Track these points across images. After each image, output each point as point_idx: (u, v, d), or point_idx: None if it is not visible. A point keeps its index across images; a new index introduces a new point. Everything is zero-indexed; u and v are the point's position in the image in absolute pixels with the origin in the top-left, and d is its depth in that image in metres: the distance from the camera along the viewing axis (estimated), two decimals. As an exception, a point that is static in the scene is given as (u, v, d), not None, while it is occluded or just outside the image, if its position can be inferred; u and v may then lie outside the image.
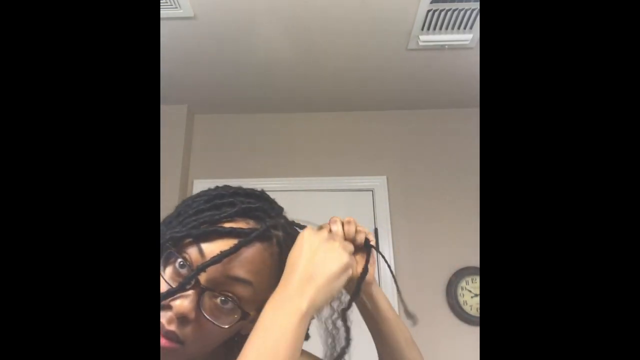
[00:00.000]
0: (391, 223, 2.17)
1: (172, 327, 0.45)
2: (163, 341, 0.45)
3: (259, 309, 0.49)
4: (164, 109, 2.25)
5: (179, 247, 0.48)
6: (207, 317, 0.46)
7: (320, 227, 0.58)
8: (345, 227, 0.58)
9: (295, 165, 2.30)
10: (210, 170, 2.30)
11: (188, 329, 0.46)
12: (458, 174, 2.26)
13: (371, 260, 0.60)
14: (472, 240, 2.10)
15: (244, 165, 2.31)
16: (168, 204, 2.11)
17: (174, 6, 1.63)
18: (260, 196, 0.56)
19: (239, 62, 1.98)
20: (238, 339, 0.57)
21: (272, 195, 0.60)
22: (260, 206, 0.53)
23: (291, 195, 2.12)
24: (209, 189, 0.55)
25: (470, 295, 2.03)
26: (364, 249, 0.60)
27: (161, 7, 1.61)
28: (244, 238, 0.48)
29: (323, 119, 2.40)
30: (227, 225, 0.49)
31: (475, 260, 2.07)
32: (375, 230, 2.16)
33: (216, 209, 0.51)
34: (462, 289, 2.04)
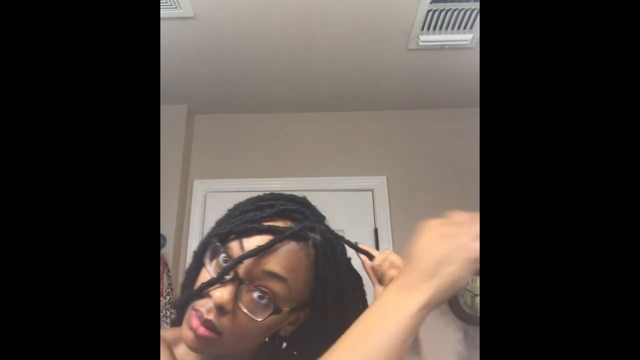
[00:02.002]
0: (391, 223, 2.17)
1: (211, 317, 0.48)
2: (202, 329, 0.48)
3: (294, 308, 0.53)
4: (164, 109, 2.25)
5: (224, 243, 0.52)
6: (243, 309, 0.49)
7: (369, 256, 0.59)
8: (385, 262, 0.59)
9: (295, 165, 2.30)
10: (210, 170, 2.30)
11: (225, 320, 0.49)
12: (458, 174, 2.26)
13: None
14: (472, 240, 2.09)
15: (244, 165, 2.31)
16: (168, 204, 2.10)
17: (174, 6, 1.63)
18: (301, 201, 0.59)
19: (239, 62, 1.98)
20: (278, 340, 0.60)
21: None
22: (298, 209, 0.56)
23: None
24: (257, 195, 0.60)
25: (470, 295, 2.03)
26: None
27: (161, 7, 1.61)
28: (279, 235, 0.51)
29: (323, 119, 2.40)
30: (266, 224, 0.52)
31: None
32: (375, 230, 2.16)
33: (259, 210, 0.55)
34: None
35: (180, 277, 2.10)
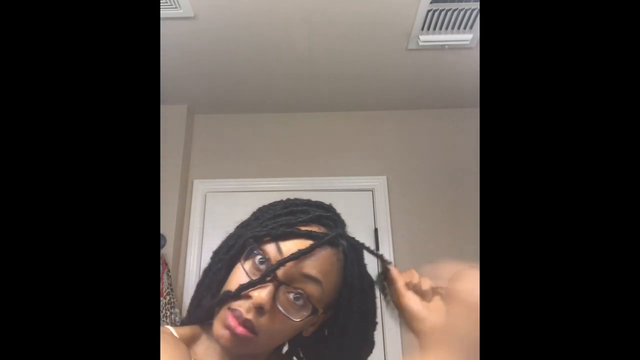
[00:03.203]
0: (391, 223, 2.17)
1: (250, 316, 0.50)
2: (240, 329, 0.49)
3: (325, 308, 0.55)
4: (164, 109, 2.25)
5: (259, 245, 0.54)
6: (281, 309, 0.51)
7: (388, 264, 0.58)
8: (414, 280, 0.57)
9: (295, 165, 2.31)
10: (210, 170, 2.30)
11: (263, 320, 0.50)
12: (458, 174, 2.26)
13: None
14: (472, 240, 2.10)
15: (244, 165, 2.31)
16: (168, 204, 2.11)
17: (174, 6, 1.63)
18: (329, 208, 0.61)
19: (239, 62, 1.98)
20: (295, 342, 0.61)
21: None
22: (330, 215, 0.59)
23: (291, 195, 2.11)
24: (283, 200, 0.61)
25: (470, 295, 2.03)
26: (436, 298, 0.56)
27: (161, 7, 1.61)
28: (318, 240, 0.53)
29: (323, 119, 2.40)
30: (303, 228, 0.54)
31: (475, 260, 2.07)
32: (375, 230, 2.16)
33: (292, 215, 0.57)
34: (462, 289, 2.04)
35: (180, 277, 2.10)
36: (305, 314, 0.52)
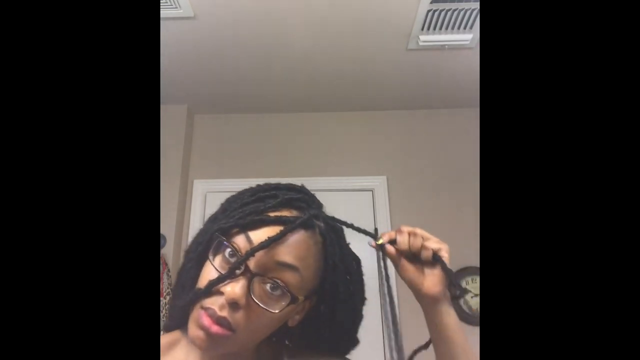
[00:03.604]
0: (391, 223, 2.17)
1: (224, 313, 0.47)
2: (215, 328, 0.46)
3: (306, 295, 0.52)
4: (164, 109, 2.25)
5: (228, 237, 0.51)
6: (258, 302, 0.48)
7: (380, 235, 0.58)
8: (411, 240, 0.59)
9: (295, 165, 2.31)
10: (210, 170, 2.30)
11: (239, 315, 0.47)
12: (458, 174, 2.26)
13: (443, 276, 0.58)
14: (472, 240, 2.10)
15: (244, 165, 2.31)
16: (168, 204, 2.10)
17: (174, 6, 1.63)
18: (301, 190, 0.58)
19: (239, 62, 1.98)
20: (283, 332, 0.58)
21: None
22: (302, 197, 0.55)
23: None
24: (252, 187, 0.58)
25: (470, 295, 2.03)
26: (434, 264, 0.58)
27: (161, 7, 1.61)
28: (289, 225, 0.50)
29: (323, 119, 2.40)
30: (272, 214, 0.51)
31: (475, 260, 2.07)
32: (375, 230, 2.14)
33: (260, 201, 0.54)
34: (462, 289, 2.04)
35: (180, 277, 2.09)
36: (284, 303, 0.49)
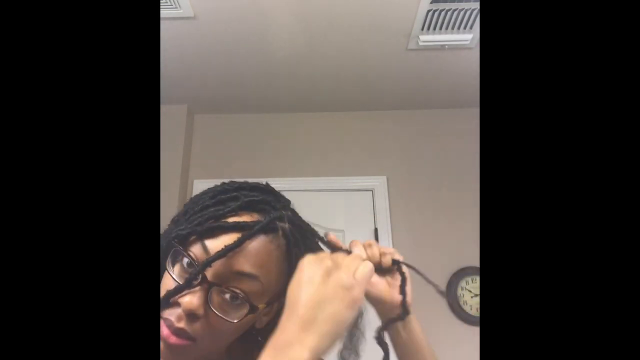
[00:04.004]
0: (391, 223, 2.17)
1: (182, 324, 0.46)
2: (173, 339, 0.45)
3: (268, 302, 0.50)
4: (164, 109, 2.25)
5: (186, 245, 0.49)
6: (216, 312, 0.46)
7: (334, 249, 0.55)
8: (368, 251, 0.56)
9: (295, 165, 2.31)
10: (210, 170, 2.30)
11: (197, 325, 0.46)
12: (458, 174, 2.26)
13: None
14: (472, 240, 2.10)
15: (244, 165, 2.31)
16: (168, 204, 2.10)
17: (174, 6, 1.63)
18: (265, 189, 0.56)
19: (239, 62, 1.98)
20: (255, 332, 0.56)
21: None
22: (264, 198, 0.53)
23: (291, 195, 2.10)
24: (216, 186, 0.55)
25: (470, 295, 2.03)
26: (394, 269, 0.58)
27: (161, 7, 1.61)
28: (247, 231, 0.47)
29: (323, 119, 2.40)
30: (232, 219, 0.49)
31: (475, 260, 2.07)
32: (375, 230, 2.16)
33: (221, 204, 0.51)
34: (462, 289, 2.04)
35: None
36: (244, 312, 0.47)
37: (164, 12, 1.65)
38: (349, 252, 0.54)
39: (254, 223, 0.49)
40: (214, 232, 0.48)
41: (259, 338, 0.58)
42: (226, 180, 0.56)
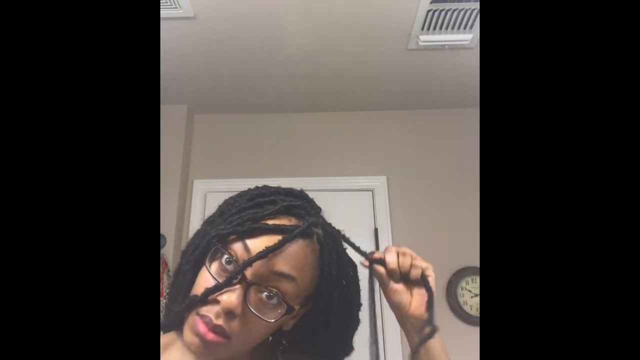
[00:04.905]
0: (391, 223, 2.17)
1: (220, 322, 0.47)
2: (211, 335, 0.47)
3: (302, 303, 0.52)
4: (164, 109, 2.25)
5: (225, 244, 0.50)
6: (254, 311, 0.48)
7: (371, 256, 0.58)
8: (400, 259, 0.58)
9: (295, 165, 2.30)
10: (210, 170, 2.30)
11: (235, 324, 0.47)
12: (458, 174, 2.26)
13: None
14: (472, 240, 2.10)
15: (244, 165, 2.31)
16: (168, 204, 2.10)
17: (174, 6, 1.63)
18: (300, 195, 0.57)
19: (239, 62, 1.98)
20: (281, 335, 0.58)
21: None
22: (301, 204, 0.54)
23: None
24: (250, 189, 0.57)
25: (470, 295, 2.03)
26: (421, 284, 0.58)
27: (161, 7, 1.61)
28: (288, 234, 0.49)
29: (323, 119, 2.40)
30: (270, 222, 0.51)
31: (475, 260, 2.07)
32: (375, 230, 2.16)
33: (259, 207, 0.53)
34: (462, 289, 2.04)
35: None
36: (280, 312, 0.49)
37: (164, 12, 1.65)
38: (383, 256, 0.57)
39: (293, 227, 0.50)
40: (254, 233, 0.49)
41: (283, 341, 0.60)
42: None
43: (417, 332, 0.58)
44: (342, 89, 2.20)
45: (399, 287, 0.58)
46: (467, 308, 2.01)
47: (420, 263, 0.58)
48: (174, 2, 1.60)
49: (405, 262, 0.58)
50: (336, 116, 2.40)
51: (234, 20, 1.72)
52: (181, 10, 1.65)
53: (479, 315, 2.00)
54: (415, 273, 0.57)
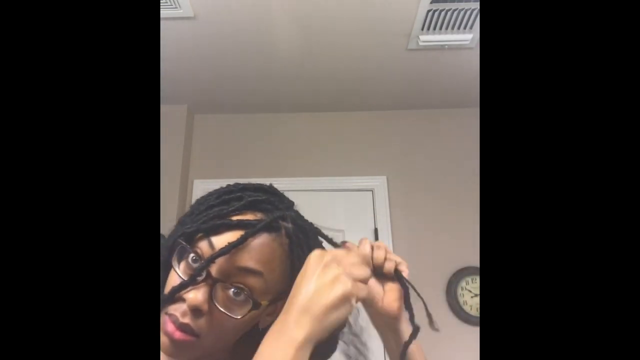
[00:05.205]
0: (391, 223, 2.17)
1: (186, 320, 0.47)
2: (178, 334, 0.47)
3: (272, 299, 0.51)
4: (164, 109, 2.25)
5: (191, 243, 0.50)
6: (220, 308, 0.48)
7: (343, 246, 0.56)
8: (375, 251, 0.57)
9: (295, 165, 2.31)
10: (210, 170, 2.30)
11: (202, 321, 0.47)
12: (458, 174, 2.26)
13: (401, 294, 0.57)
14: (472, 240, 2.10)
15: (244, 165, 2.31)
16: (168, 204, 2.10)
17: (174, 6, 1.63)
18: (268, 190, 0.57)
19: (239, 62, 1.98)
20: (260, 333, 0.56)
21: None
22: (267, 199, 0.54)
23: (291, 195, 2.11)
24: (221, 187, 0.57)
25: (470, 295, 2.03)
26: (395, 279, 0.57)
27: (161, 7, 1.61)
28: (250, 229, 0.49)
29: (323, 119, 2.40)
30: (235, 218, 0.50)
31: (475, 260, 2.07)
32: (375, 230, 2.16)
33: (225, 204, 0.53)
34: (462, 289, 2.04)
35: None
36: (247, 309, 0.49)
37: (164, 12, 1.65)
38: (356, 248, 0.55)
39: (257, 221, 0.50)
40: (218, 230, 0.50)
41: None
42: (231, 182, 0.57)
43: (392, 332, 0.57)
44: (342, 89, 2.20)
45: (371, 280, 0.57)
46: (467, 308, 2.01)
47: (395, 257, 0.58)
48: (174, 2, 1.60)
49: (379, 255, 0.57)
50: (336, 116, 2.40)
51: (234, 20, 1.72)
52: (181, 10, 1.65)
53: (479, 315, 2.00)
54: (388, 266, 0.57)
